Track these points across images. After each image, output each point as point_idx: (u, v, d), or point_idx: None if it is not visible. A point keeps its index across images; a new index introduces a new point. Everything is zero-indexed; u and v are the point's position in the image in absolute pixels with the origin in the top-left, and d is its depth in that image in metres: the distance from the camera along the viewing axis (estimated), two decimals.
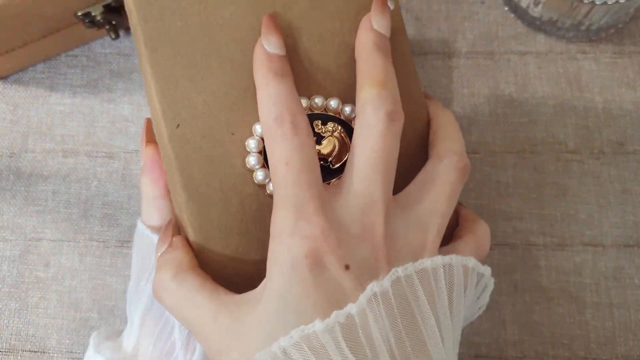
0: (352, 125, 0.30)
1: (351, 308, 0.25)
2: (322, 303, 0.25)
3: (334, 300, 0.25)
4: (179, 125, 0.28)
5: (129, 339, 0.33)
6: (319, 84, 0.30)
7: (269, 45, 0.28)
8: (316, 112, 0.30)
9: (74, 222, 0.45)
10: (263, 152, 0.29)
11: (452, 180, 0.29)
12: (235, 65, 0.29)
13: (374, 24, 0.29)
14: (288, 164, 0.26)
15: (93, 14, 0.44)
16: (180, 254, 0.29)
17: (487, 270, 0.30)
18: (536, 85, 0.46)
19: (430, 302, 0.26)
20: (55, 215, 0.45)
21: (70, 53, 0.48)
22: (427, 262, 0.27)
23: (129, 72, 0.48)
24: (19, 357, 0.42)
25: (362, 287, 0.25)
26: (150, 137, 0.33)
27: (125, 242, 0.44)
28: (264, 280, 0.27)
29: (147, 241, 0.33)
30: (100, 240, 0.44)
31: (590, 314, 0.42)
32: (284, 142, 0.26)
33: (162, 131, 0.29)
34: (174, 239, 0.30)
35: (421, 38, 0.48)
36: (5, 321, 0.43)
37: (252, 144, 0.29)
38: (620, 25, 0.47)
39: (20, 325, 0.43)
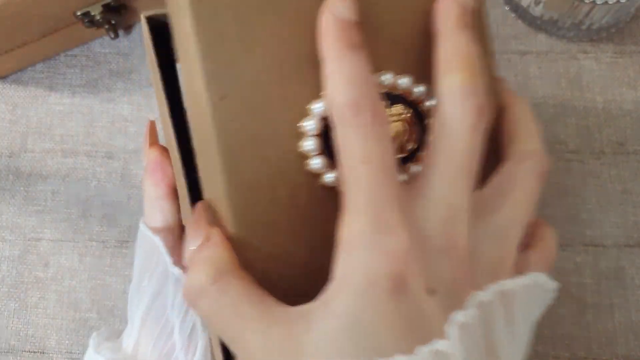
0: (421, 109, 0.25)
1: (440, 344, 0.21)
2: (404, 334, 0.21)
3: (417, 330, 0.21)
4: (225, 96, 0.23)
5: (129, 339, 0.33)
6: (387, 57, 0.25)
7: (343, 8, 0.23)
8: (382, 90, 0.24)
9: (73, 222, 0.45)
10: (322, 137, 0.24)
11: (533, 185, 0.26)
12: (295, 26, 0.24)
13: None
14: (366, 163, 0.22)
15: (92, 13, 0.44)
16: (220, 251, 0.24)
17: (556, 287, 0.26)
18: (536, 84, 0.46)
19: (509, 326, 0.23)
20: (55, 215, 0.45)
21: (70, 53, 0.48)
22: (508, 284, 0.24)
23: (128, 71, 0.48)
24: (18, 358, 0.42)
25: (445, 314, 0.22)
26: (154, 139, 0.33)
27: (125, 242, 0.44)
28: (325, 295, 0.22)
29: (149, 242, 0.32)
30: (100, 240, 0.44)
31: (591, 315, 0.42)
32: (362, 134, 0.22)
33: (201, 104, 0.24)
34: (211, 230, 0.24)
35: None
36: (4, 321, 0.43)
37: (309, 125, 0.24)
38: (621, 25, 0.47)
39: (20, 326, 0.43)
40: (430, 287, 0.22)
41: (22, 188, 0.46)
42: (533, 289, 0.25)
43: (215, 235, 0.24)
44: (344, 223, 0.22)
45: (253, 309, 0.23)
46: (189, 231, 0.25)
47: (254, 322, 0.22)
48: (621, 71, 0.46)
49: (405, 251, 0.21)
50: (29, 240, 0.45)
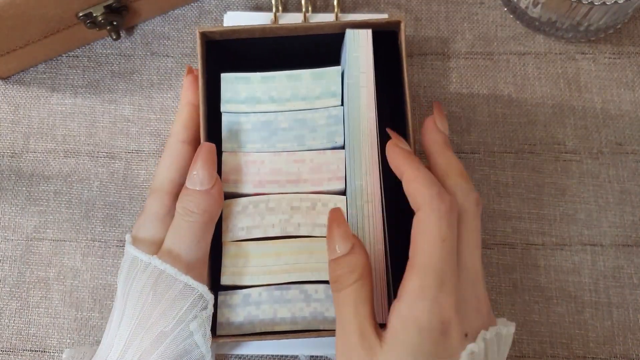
0: None
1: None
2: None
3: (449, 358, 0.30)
4: None
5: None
6: None
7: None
8: None
9: (75, 223, 0.45)
10: None
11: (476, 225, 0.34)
12: None
13: (439, 126, 0.36)
14: (444, 241, 0.31)
15: (94, 14, 0.44)
16: (362, 260, 0.32)
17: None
18: (535, 85, 0.46)
19: (498, 356, 0.33)
20: (57, 216, 0.45)
21: (72, 54, 0.48)
22: (502, 329, 0.33)
23: (130, 72, 0.48)
24: (19, 357, 0.43)
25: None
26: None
27: None
28: (390, 329, 0.31)
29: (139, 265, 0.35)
30: (102, 240, 0.44)
31: (589, 314, 0.42)
32: (444, 219, 0.31)
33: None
34: (356, 241, 0.33)
35: (421, 38, 0.48)
36: (6, 321, 0.43)
37: None
38: (619, 26, 0.47)
39: (22, 325, 0.43)
40: (465, 332, 0.31)
41: (24, 188, 0.46)
42: (510, 333, 0.34)
43: (359, 246, 0.33)
44: (412, 279, 0.31)
45: (362, 316, 0.31)
46: (337, 238, 0.33)
47: (359, 325, 0.31)
48: (619, 72, 0.46)
49: (455, 307, 0.30)
50: (31, 240, 0.45)
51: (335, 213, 0.34)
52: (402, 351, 0.30)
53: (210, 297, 0.34)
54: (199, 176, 0.35)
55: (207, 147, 0.35)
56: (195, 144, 0.38)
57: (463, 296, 0.31)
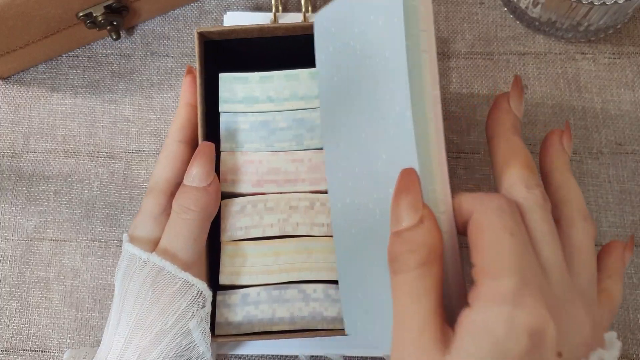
0: None
1: None
2: None
3: None
4: None
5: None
6: None
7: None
8: None
9: (75, 223, 0.45)
10: None
11: (591, 246, 0.29)
12: None
13: (513, 106, 0.31)
14: (513, 235, 0.25)
15: (94, 14, 0.44)
16: (432, 239, 0.26)
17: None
18: (535, 85, 0.46)
19: None
20: (57, 216, 0.45)
21: (72, 54, 0.49)
22: (606, 355, 0.26)
23: (130, 72, 0.48)
24: (19, 357, 0.43)
25: None
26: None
27: None
28: (458, 338, 0.25)
29: (135, 262, 0.35)
30: (102, 240, 0.45)
31: None
32: (507, 212, 0.26)
33: None
34: (426, 213, 0.26)
35: None
36: (6, 320, 0.43)
37: None
38: (618, 26, 0.47)
39: (21, 325, 0.43)
40: (559, 351, 0.24)
41: (24, 188, 0.46)
42: (614, 356, 0.27)
43: (430, 219, 0.26)
44: (483, 282, 0.25)
45: (426, 309, 0.25)
46: (404, 205, 0.26)
47: (421, 321, 0.25)
48: (619, 72, 0.46)
49: (548, 314, 0.24)
50: (31, 240, 0.45)
51: (407, 175, 0.27)
52: None
53: (209, 294, 0.35)
54: (197, 174, 0.35)
55: (206, 146, 0.36)
56: (192, 144, 0.38)
57: (556, 302, 0.25)
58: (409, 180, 0.27)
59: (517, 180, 0.28)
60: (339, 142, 0.35)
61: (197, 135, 0.38)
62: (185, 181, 0.35)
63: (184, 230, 0.34)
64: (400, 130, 0.28)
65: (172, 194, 0.36)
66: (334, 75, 0.35)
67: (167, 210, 0.36)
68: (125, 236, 0.36)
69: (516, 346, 0.23)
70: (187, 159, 0.37)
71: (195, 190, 0.35)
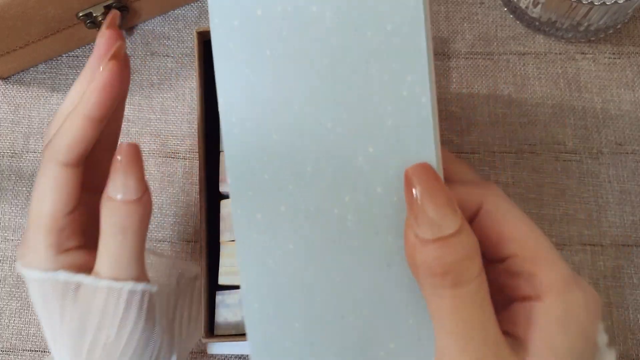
0: None
1: None
2: None
3: None
4: None
5: None
6: None
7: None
8: None
9: None
10: None
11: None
12: None
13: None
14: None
15: (94, 14, 0.44)
16: (477, 248, 0.23)
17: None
18: (535, 85, 0.46)
19: None
20: None
21: (72, 54, 0.49)
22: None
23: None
24: (19, 357, 0.43)
25: None
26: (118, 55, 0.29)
27: None
28: (535, 333, 0.23)
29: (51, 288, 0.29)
30: None
31: None
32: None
33: None
34: (464, 221, 0.23)
35: None
36: (6, 320, 0.43)
37: None
38: (618, 26, 0.47)
39: (21, 325, 0.43)
40: None
41: (24, 188, 0.46)
42: None
43: (465, 221, 0.23)
44: (546, 269, 0.24)
45: (494, 317, 0.23)
46: (440, 207, 0.23)
47: (492, 333, 0.23)
48: (619, 72, 0.46)
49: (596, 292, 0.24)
50: None
51: (426, 172, 0.23)
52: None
53: (148, 287, 0.30)
54: (129, 184, 0.28)
55: (131, 147, 0.28)
56: (81, 167, 0.29)
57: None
58: (431, 178, 0.23)
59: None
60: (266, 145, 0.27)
61: (90, 155, 0.30)
62: (110, 193, 0.28)
63: (124, 253, 0.28)
64: (408, 118, 0.24)
65: (62, 230, 0.29)
66: (253, 59, 0.26)
67: (62, 247, 0.29)
68: (26, 270, 0.30)
69: (595, 328, 0.23)
70: (75, 185, 0.29)
71: (126, 204, 0.28)
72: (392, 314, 0.26)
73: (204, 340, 0.35)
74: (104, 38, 0.29)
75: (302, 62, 0.25)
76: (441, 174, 0.24)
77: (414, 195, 0.23)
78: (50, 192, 0.28)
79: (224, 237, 0.37)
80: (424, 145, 0.24)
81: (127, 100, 0.47)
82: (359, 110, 0.25)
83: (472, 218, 0.25)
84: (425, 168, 0.23)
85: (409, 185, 0.23)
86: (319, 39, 0.24)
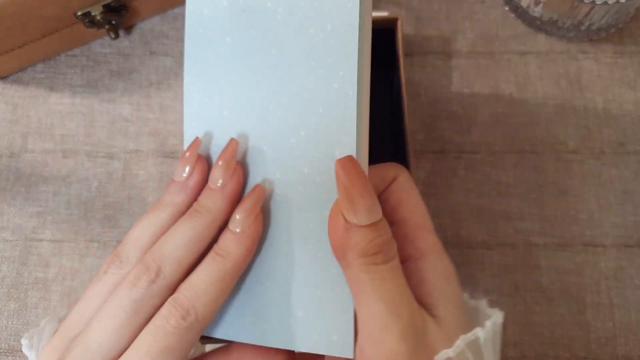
0: None
1: None
2: None
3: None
4: None
5: None
6: None
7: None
8: None
9: (74, 223, 0.45)
10: None
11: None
12: None
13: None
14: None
15: (93, 13, 0.43)
16: (390, 232, 0.26)
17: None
18: (536, 85, 0.46)
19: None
20: (56, 216, 0.45)
21: (70, 53, 0.48)
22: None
23: (128, 72, 0.48)
24: (17, 358, 0.42)
25: None
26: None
27: None
28: (433, 294, 0.27)
29: None
30: (101, 241, 0.44)
31: (591, 315, 0.42)
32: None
33: None
34: (383, 218, 0.26)
35: (421, 38, 0.48)
36: (4, 322, 0.43)
37: None
38: (620, 25, 0.47)
39: (20, 326, 0.43)
40: None
41: (22, 189, 0.45)
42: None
43: (386, 224, 0.26)
44: (427, 234, 0.29)
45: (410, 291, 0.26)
46: (365, 195, 0.26)
47: (414, 304, 0.26)
48: (621, 71, 0.46)
49: None
50: (29, 241, 0.44)
51: (353, 164, 0.26)
52: (455, 320, 0.27)
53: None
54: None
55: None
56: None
57: None
58: (358, 169, 0.26)
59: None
60: (223, 115, 0.30)
61: None
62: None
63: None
64: (336, 109, 0.27)
65: None
66: (218, 47, 0.29)
67: None
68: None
69: (458, 286, 0.28)
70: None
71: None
72: (303, 285, 0.28)
73: (201, 342, 0.35)
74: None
75: (255, 51, 0.28)
76: (366, 164, 0.27)
77: (348, 186, 0.26)
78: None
79: None
80: (347, 134, 0.27)
81: (126, 99, 0.47)
82: (297, 98, 0.28)
83: (387, 187, 0.30)
84: (349, 161, 0.26)
85: (343, 176, 0.26)
86: (271, 31, 0.28)
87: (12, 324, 0.43)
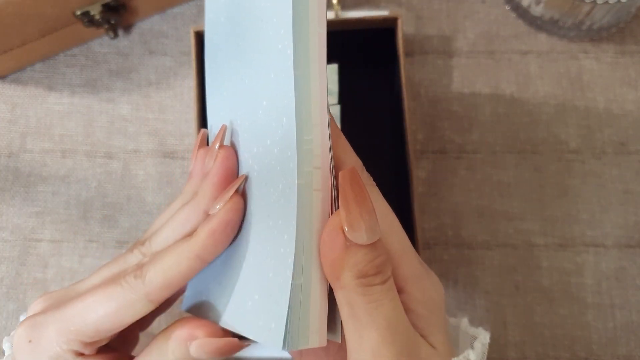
0: None
1: None
2: None
3: None
4: None
5: None
6: None
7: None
8: None
9: (73, 223, 0.44)
10: None
11: None
12: None
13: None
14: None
15: (92, 13, 0.43)
16: (388, 262, 0.25)
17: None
18: (537, 84, 0.46)
19: None
20: (55, 216, 0.45)
21: (69, 52, 0.48)
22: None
23: (127, 71, 0.48)
24: None
25: None
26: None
27: (125, 243, 0.44)
28: (424, 322, 0.27)
29: None
30: (100, 241, 0.44)
31: (592, 315, 0.42)
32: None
33: None
34: (380, 241, 0.25)
35: (422, 37, 0.47)
36: (2, 322, 0.43)
37: None
38: (621, 25, 0.47)
39: None
40: None
41: (21, 189, 0.45)
42: None
43: (383, 247, 0.25)
44: (410, 262, 0.27)
45: (400, 328, 0.25)
46: (369, 216, 0.24)
47: (407, 323, 0.25)
48: (622, 71, 0.46)
49: None
50: (28, 241, 0.44)
51: (353, 176, 0.24)
52: (448, 345, 0.26)
53: None
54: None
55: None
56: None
57: None
58: (362, 185, 0.25)
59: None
60: (224, 99, 0.31)
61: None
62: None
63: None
64: (281, 71, 0.26)
65: (89, 345, 0.27)
66: (220, 30, 0.31)
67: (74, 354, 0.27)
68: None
69: (443, 301, 0.28)
70: (137, 321, 0.27)
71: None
72: (260, 265, 0.26)
73: None
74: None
75: (243, 41, 0.29)
76: (312, 125, 0.25)
77: (352, 203, 0.24)
78: (114, 312, 0.26)
79: None
80: (288, 95, 0.25)
81: (125, 99, 0.47)
82: (262, 73, 0.27)
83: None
84: (350, 173, 0.24)
85: (350, 192, 0.24)
86: (254, 27, 0.29)
87: (11, 324, 0.43)
